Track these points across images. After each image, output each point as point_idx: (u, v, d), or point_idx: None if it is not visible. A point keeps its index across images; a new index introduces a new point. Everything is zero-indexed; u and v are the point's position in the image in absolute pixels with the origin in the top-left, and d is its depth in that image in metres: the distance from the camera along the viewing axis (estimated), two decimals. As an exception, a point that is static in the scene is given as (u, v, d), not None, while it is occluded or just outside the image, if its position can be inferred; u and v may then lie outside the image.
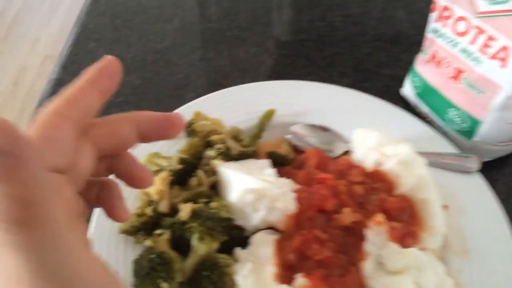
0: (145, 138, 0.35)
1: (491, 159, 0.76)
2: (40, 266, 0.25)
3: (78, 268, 0.26)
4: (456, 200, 0.70)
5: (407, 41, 0.98)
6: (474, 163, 0.72)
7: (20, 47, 2.70)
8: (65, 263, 0.25)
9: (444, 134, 0.77)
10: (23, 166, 0.24)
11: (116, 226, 0.62)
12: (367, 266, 0.57)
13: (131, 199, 0.64)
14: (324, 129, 0.77)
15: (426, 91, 0.77)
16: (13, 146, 0.23)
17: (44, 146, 0.27)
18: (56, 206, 0.26)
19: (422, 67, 0.77)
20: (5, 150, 0.23)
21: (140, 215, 0.62)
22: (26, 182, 0.24)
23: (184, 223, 0.58)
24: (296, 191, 0.62)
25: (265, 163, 0.70)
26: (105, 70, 0.34)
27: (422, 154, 0.67)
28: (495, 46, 0.63)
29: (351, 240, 0.59)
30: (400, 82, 0.89)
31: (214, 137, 0.71)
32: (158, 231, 0.59)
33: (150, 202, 0.63)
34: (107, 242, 0.61)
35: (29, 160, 0.24)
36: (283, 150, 0.74)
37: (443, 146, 0.75)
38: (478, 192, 0.70)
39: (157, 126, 0.35)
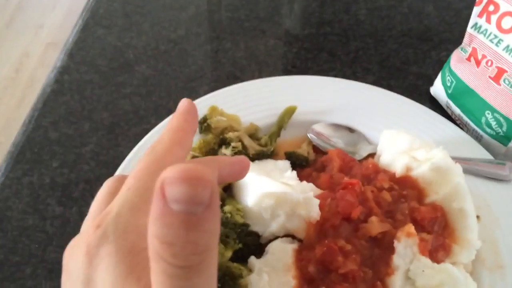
0: (222, 181, 0.38)
1: (527, 167, 0.71)
2: None
3: None
4: (489, 210, 0.64)
5: (436, 37, 0.93)
6: (509, 171, 0.66)
7: (23, 33, 2.67)
8: None
9: (477, 138, 0.72)
10: (209, 217, 0.24)
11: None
12: (395, 282, 0.52)
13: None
14: (348, 129, 0.72)
15: (461, 92, 0.72)
16: (210, 199, 0.24)
17: None
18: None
19: (458, 65, 0.71)
20: (203, 202, 0.24)
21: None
22: (210, 232, 0.25)
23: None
24: (318, 196, 0.57)
25: (285, 164, 0.65)
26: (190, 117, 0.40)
27: (453, 159, 0.62)
28: (543, 44, 0.57)
29: (378, 252, 0.54)
30: (428, 81, 0.83)
31: (229, 135, 0.66)
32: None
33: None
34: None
35: (216, 211, 0.25)
36: (304, 150, 0.69)
37: (477, 152, 0.69)
38: (514, 203, 0.64)
39: (233, 170, 0.39)
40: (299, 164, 0.67)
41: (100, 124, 0.75)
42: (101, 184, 0.38)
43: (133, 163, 0.65)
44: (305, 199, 0.54)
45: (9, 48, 2.60)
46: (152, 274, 0.26)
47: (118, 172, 0.63)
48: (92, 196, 0.37)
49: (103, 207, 0.35)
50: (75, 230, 0.42)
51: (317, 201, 0.54)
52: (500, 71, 0.64)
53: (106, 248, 0.30)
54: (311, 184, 0.59)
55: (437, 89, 0.78)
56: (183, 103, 0.40)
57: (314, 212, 0.54)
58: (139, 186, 0.33)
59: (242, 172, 0.41)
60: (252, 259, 0.55)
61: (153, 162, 0.35)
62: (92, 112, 0.76)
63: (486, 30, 0.65)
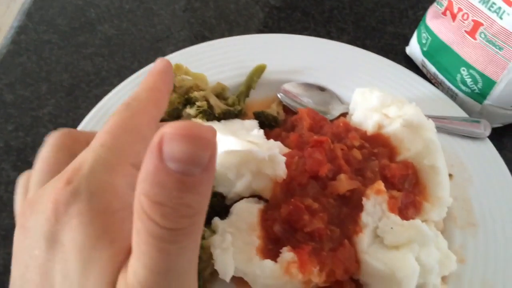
0: None
1: (501, 125, 0.69)
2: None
3: None
4: (463, 168, 0.63)
5: (413, -4, 0.89)
6: (484, 129, 0.65)
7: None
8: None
9: (452, 97, 0.70)
10: (206, 179, 0.23)
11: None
12: (363, 240, 0.50)
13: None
14: (319, 88, 0.69)
15: (436, 48, 0.69)
16: (209, 161, 0.23)
17: None
18: None
19: (433, 21, 0.68)
20: (202, 163, 0.22)
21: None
22: (203, 195, 0.24)
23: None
24: (286, 154, 0.55)
25: (252, 123, 0.62)
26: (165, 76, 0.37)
27: (427, 117, 0.60)
28: (521, -7, 0.54)
29: (346, 211, 0.52)
30: (405, 41, 0.81)
31: (195, 94, 0.63)
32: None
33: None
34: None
35: (212, 175, 0.24)
36: (273, 110, 0.66)
37: (451, 109, 0.67)
38: (487, 160, 0.63)
39: None
40: (268, 124, 0.64)
41: (59, 85, 0.71)
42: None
43: (92, 124, 0.61)
44: (270, 157, 0.52)
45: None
46: (134, 235, 0.24)
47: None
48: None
49: (54, 165, 0.32)
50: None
51: (283, 158, 0.52)
52: (476, 25, 0.61)
53: (77, 206, 0.27)
54: (278, 143, 0.57)
55: (413, 48, 0.75)
56: (160, 62, 0.37)
57: (281, 170, 0.52)
58: (114, 143, 0.30)
59: None
60: (216, 220, 0.52)
61: (128, 118, 0.32)
62: (51, 74, 0.72)
63: (462, -19, 0.62)
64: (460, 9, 0.64)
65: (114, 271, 0.26)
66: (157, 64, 0.37)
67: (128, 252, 0.26)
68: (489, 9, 0.59)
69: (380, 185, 0.52)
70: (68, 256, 0.26)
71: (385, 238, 0.51)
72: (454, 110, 0.67)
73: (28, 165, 0.62)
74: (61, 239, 0.27)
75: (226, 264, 0.48)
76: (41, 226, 0.27)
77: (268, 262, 0.47)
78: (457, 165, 0.63)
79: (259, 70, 0.69)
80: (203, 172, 0.22)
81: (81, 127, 0.61)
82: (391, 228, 0.51)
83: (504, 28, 0.58)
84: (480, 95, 0.66)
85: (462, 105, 0.68)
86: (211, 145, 0.22)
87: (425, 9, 0.74)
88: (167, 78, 0.37)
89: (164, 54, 0.75)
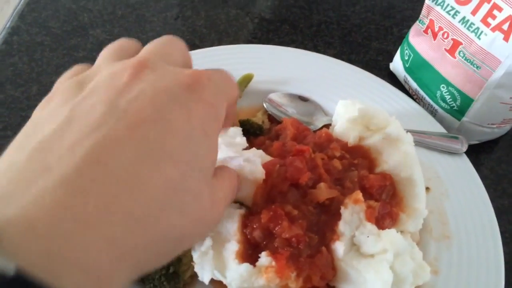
0: None
1: (478, 142, 0.72)
2: None
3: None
4: (440, 182, 0.65)
5: (399, 14, 0.92)
6: (461, 145, 0.67)
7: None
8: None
9: (432, 113, 0.72)
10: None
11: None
12: (340, 247, 0.52)
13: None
14: (304, 99, 0.71)
15: (418, 65, 0.71)
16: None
17: None
18: None
19: (416, 38, 0.71)
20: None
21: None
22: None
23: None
24: (268, 162, 0.56)
25: (236, 131, 0.63)
26: None
27: (407, 131, 0.62)
28: (499, 17, 0.57)
29: (325, 219, 0.53)
30: (388, 57, 0.83)
31: (182, 100, 0.64)
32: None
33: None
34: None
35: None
36: (258, 119, 0.68)
37: (430, 125, 0.69)
38: (464, 175, 0.65)
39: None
40: (253, 132, 0.66)
41: (49, 87, 0.70)
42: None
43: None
44: (246, 160, 0.53)
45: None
46: None
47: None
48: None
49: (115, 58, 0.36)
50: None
51: (259, 160, 0.53)
52: (456, 43, 0.64)
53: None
54: (260, 151, 0.58)
55: (396, 64, 0.78)
56: None
57: (258, 172, 0.53)
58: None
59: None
60: (197, 224, 0.53)
61: None
62: (41, 75, 0.73)
63: (444, 1, 0.64)
64: (440, 28, 0.66)
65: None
66: None
67: None
68: (467, 29, 0.62)
69: (359, 194, 0.54)
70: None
71: (361, 246, 0.52)
72: (433, 126, 0.69)
73: (14, 164, 0.63)
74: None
75: (205, 267, 0.49)
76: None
77: (246, 266, 0.48)
78: (435, 179, 0.65)
79: (247, 79, 0.71)
80: None
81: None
82: (368, 236, 0.52)
83: (482, 48, 0.61)
84: (459, 112, 0.68)
85: (441, 121, 0.70)
86: None
87: (409, 27, 0.77)
88: None
89: (154, 60, 0.77)
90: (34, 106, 0.68)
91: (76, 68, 0.38)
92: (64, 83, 0.35)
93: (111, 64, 0.35)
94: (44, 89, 0.71)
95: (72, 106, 0.30)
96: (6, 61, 0.74)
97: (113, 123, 0.29)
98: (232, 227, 0.53)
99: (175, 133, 0.31)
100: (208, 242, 0.50)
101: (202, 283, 0.50)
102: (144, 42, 0.79)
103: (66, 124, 0.29)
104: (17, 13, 0.81)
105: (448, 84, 0.67)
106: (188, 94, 0.33)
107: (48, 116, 0.31)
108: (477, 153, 0.71)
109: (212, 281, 0.50)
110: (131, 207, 0.27)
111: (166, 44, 0.39)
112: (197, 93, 0.33)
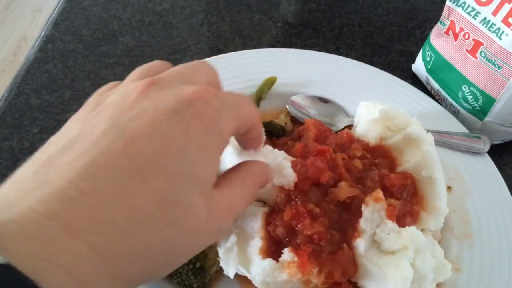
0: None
1: (501, 141, 0.72)
2: None
3: None
4: (462, 181, 0.65)
5: (422, 16, 0.93)
6: (484, 144, 0.67)
7: (22, 17, 2.67)
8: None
9: (454, 113, 0.73)
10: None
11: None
12: (361, 244, 0.53)
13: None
14: (326, 101, 0.73)
15: (439, 66, 0.72)
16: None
17: None
18: None
19: (437, 39, 0.72)
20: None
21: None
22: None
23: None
24: (291, 162, 0.58)
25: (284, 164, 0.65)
26: None
27: (430, 132, 0.62)
28: (519, 16, 0.57)
29: (346, 216, 0.55)
30: (411, 59, 0.84)
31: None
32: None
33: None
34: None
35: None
36: (281, 120, 0.70)
37: (453, 125, 0.70)
38: (486, 175, 0.65)
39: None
40: (276, 133, 0.68)
41: (82, 92, 0.76)
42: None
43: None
44: (277, 166, 0.55)
45: (7, 32, 2.61)
46: None
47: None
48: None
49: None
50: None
51: (289, 164, 0.55)
52: (477, 44, 0.64)
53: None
54: (282, 152, 0.59)
55: (418, 66, 0.79)
56: None
57: (290, 176, 0.54)
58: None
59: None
60: (223, 221, 0.56)
61: None
62: (74, 81, 0.77)
63: (464, 2, 0.65)
64: (461, 29, 0.67)
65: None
66: None
67: None
68: (489, 29, 0.62)
69: (379, 193, 0.55)
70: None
71: (382, 243, 0.53)
72: (455, 126, 0.70)
73: (50, 164, 0.66)
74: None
75: (230, 262, 0.51)
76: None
77: (270, 261, 0.50)
78: (456, 178, 0.65)
79: (270, 82, 0.73)
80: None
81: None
82: (388, 234, 0.53)
83: (503, 48, 0.61)
84: (481, 112, 0.68)
85: (463, 121, 0.70)
86: None
87: (431, 28, 0.77)
88: None
89: (180, 65, 0.80)
90: (68, 110, 0.73)
91: (108, 85, 0.40)
92: (90, 98, 0.37)
93: (131, 83, 0.37)
94: (77, 94, 0.75)
95: (83, 123, 0.34)
96: (42, 68, 0.78)
97: (112, 139, 0.31)
98: (256, 225, 0.55)
99: (169, 147, 0.32)
100: (233, 238, 0.52)
101: (228, 277, 0.52)
102: (170, 48, 0.82)
103: (74, 140, 0.32)
104: (51, 23, 0.85)
105: (470, 84, 0.67)
106: (188, 109, 0.34)
107: (65, 130, 0.35)
108: (501, 153, 0.71)
109: (237, 275, 0.52)
110: (116, 217, 0.29)
111: (190, 66, 0.40)
112: (199, 108, 0.34)
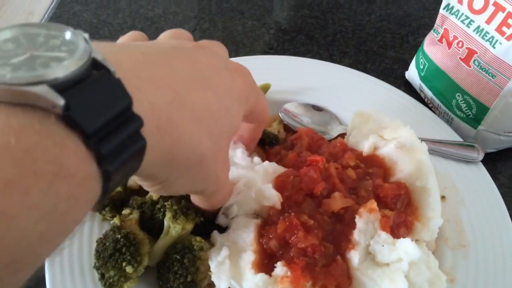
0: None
1: (495, 150, 0.71)
2: None
3: None
4: (456, 191, 0.65)
5: (415, 22, 0.93)
6: (478, 153, 0.67)
7: (14, 19, 2.65)
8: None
9: (448, 121, 0.72)
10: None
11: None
12: (355, 256, 0.52)
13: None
14: (319, 109, 0.72)
15: (433, 74, 0.72)
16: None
17: None
18: None
19: (431, 47, 0.71)
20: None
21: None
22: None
23: (154, 202, 0.53)
24: (282, 174, 0.57)
25: (237, 145, 0.63)
26: None
27: (423, 140, 0.62)
28: (513, 25, 0.57)
29: (340, 228, 0.54)
30: (404, 66, 0.84)
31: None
32: (126, 211, 0.54)
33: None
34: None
35: None
36: (274, 129, 0.69)
37: (446, 133, 0.69)
38: (480, 184, 0.65)
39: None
40: (269, 142, 0.67)
41: (72, 100, 0.74)
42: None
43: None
44: (257, 192, 0.54)
45: (-2, 35, 2.60)
46: None
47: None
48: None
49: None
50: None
51: (270, 186, 0.54)
52: (470, 52, 0.64)
53: None
54: (273, 163, 0.59)
55: (412, 73, 0.78)
56: None
57: (273, 197, 0.53)
58: None
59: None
60: (215, 233, 0.55)
61: None
62: (64, 88, 0.76)
63: (458, 11, 0.65)
64: (455, 37, 0.66)
65: None
66: None
67: None
68: (482, 38, 0.62)
69: (373, 203, 0.54)
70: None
71: (376, 255, 0.53)
72: (449, 134, 0.69)
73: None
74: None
75: (222, 277, 0.50)
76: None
77: (262, 276, 0.49)
78: (450, 187, 0.65)
79: (263, 89, 0.72)
80: None
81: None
82: (382, 246, 0.53)
83: (497, 57, 0.61)
84: (475, 121, 0.68)
85: (457, 129, 0.70)
86: None
87: (425, 36, 0.77)
88: None
89: (172, 72, 0.79)
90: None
91: (134, 33, 0.49)
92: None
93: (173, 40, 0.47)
94: (67, 102, 0.74)
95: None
96: (31, 75, 0.77)
97: (182, 46, 0.44)
98: (248, 237, 0.54)
99: (220, 82, 0.43)
100: (224, 252, 0.51)
101: (220, 291, 0.51)
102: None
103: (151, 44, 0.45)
104: (41, 28, 0.84)
105: (464, 92, 0.67)
106: (236, 71, 0.46)
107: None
108: (494, 161, 0.71)
109: (229, 289, 0.51)
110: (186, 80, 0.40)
111: (213, 43, 0.50)
112: (243, 75, 0.47)
